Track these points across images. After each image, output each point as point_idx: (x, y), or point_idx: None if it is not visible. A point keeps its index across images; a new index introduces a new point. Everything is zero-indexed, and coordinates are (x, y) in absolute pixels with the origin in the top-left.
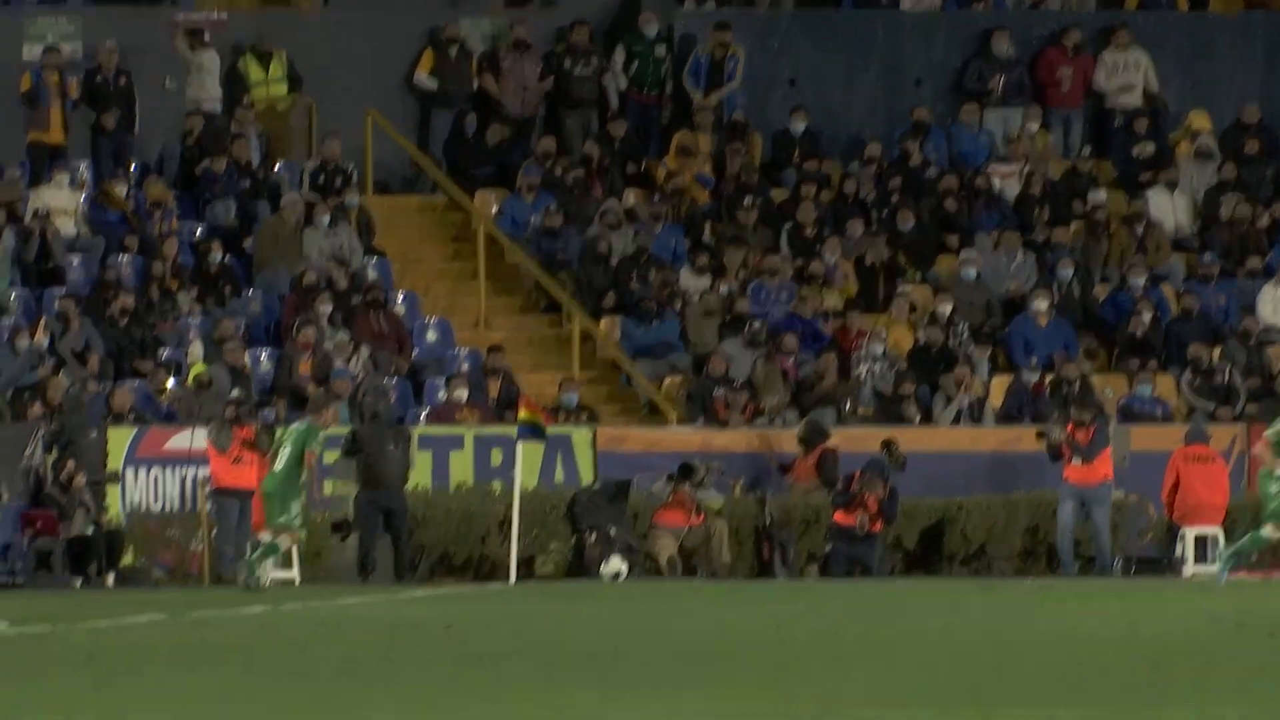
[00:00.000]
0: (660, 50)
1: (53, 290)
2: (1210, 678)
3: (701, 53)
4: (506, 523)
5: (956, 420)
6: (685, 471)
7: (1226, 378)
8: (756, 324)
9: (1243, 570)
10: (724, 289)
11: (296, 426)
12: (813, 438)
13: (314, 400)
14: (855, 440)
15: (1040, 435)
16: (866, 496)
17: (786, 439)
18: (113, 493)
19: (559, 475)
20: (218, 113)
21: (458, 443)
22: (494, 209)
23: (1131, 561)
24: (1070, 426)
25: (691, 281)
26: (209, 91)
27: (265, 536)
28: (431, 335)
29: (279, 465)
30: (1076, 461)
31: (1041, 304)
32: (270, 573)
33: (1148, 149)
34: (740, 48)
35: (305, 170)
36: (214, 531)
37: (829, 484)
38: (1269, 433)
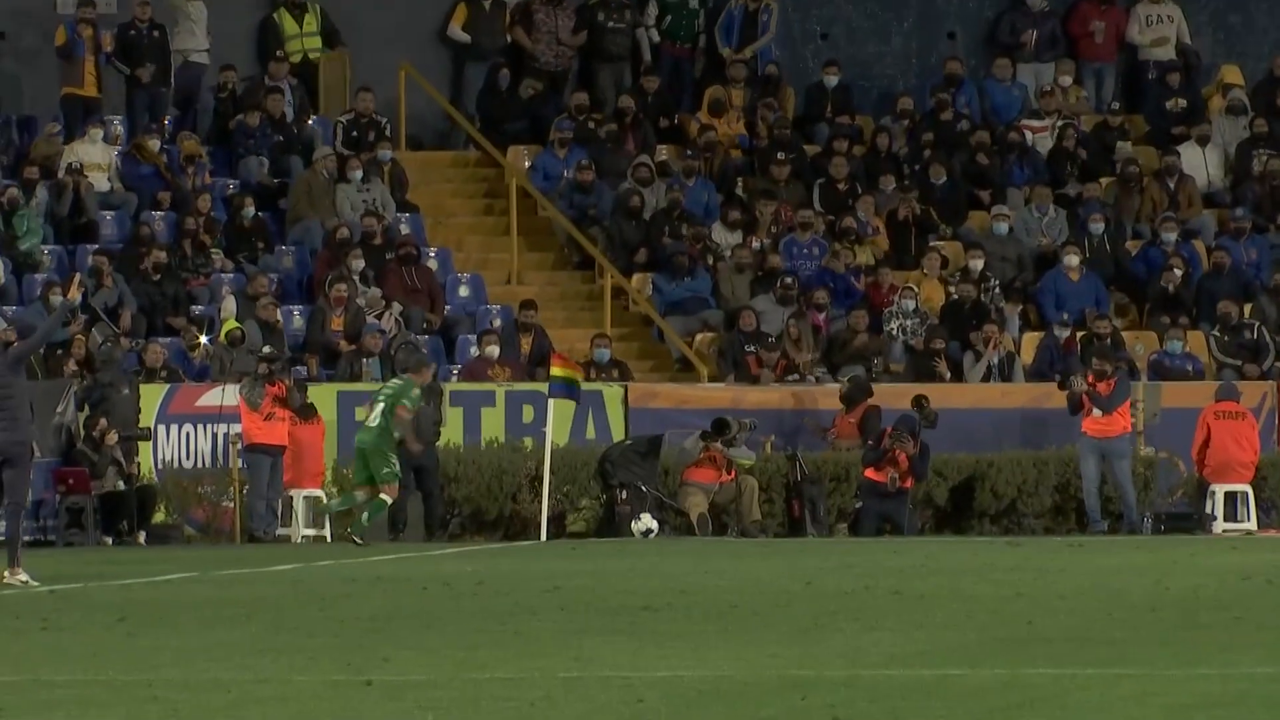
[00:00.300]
0: (693, 3)
1: (85, 246)
2: (1240, 635)
3: (734, 6)
4: (538, 479)
5: (987, 377)
6: (719, 428)
7: (1256, 334)
8: (788, 280)
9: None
10: (756, 244)
11: (394, 382)
12: (856, 395)
13: (415, 359)
14: (886, 396)
15: (1062, 385)
16: (897, 453)
17: (821, 395)
18: (144, 450)
19: (590, 432)
20: (205, 64)
21: (489, 399)
22: (526, 164)
23: (1162, 518)
24: (1091, 378)
25: (724, 237)
26: (197, 42)
27: (360, 495)
28: (464, 291)
29: (373, 420)
30: (1097, 413)
31: (1073, 259)
32: (365, 526)
33: (1180, 103)
34: (773, 1)
35: (339, 125)
36: (245, 488)
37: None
38: None
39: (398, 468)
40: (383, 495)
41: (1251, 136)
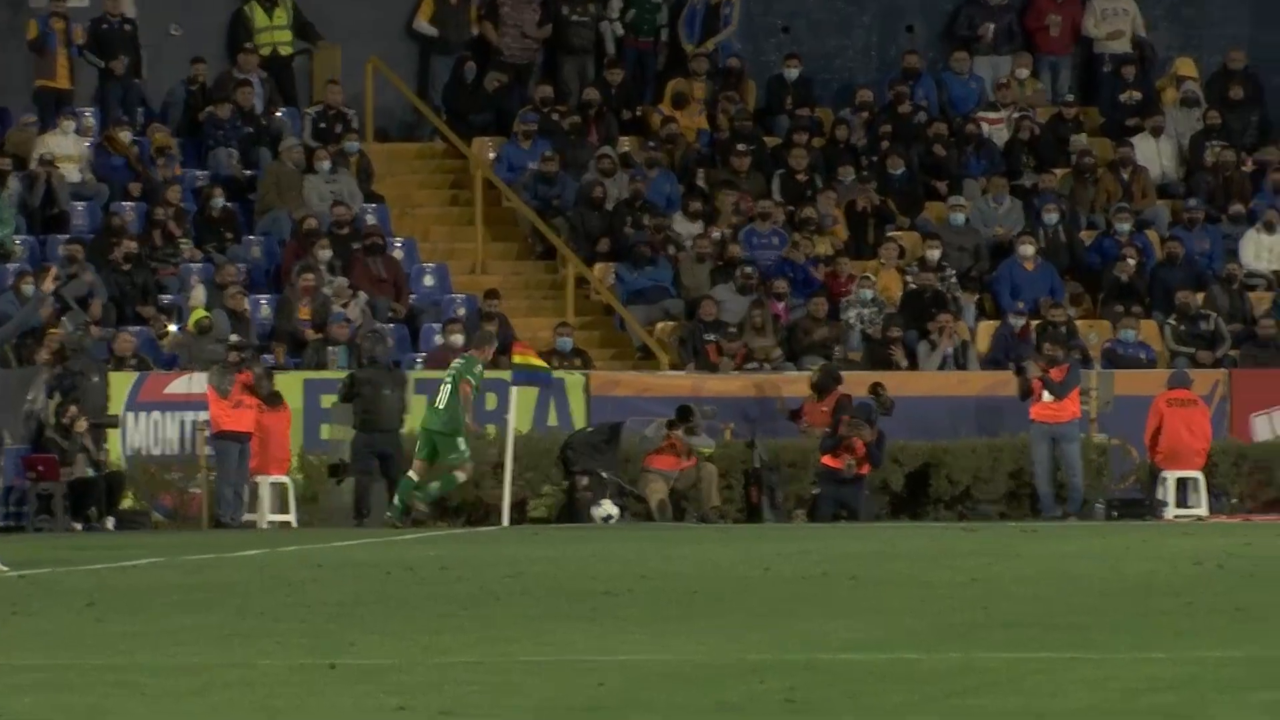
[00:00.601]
0: None
1: (56, 236)
2: (1192, 620)
3: (697, 1)
4: (500, 466)
5: (943, 365)
6: (683, 415)
7: (1210, 323)
8: (748, 269)
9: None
10: (717, 235)
11: (456, 363)
12: (827, 383)
13: (477, 336)
14: (844, 385)
15: (1018, 371)
16: (853, 440)
17: (785, 384)
18: (113, 436)
19: (552, 419)
20: (138, 26)
21: None
22: (491, 155)
23: (1114, 504)
24: (1043, 364)
25: (685, 227)
26: (126, 7)
27: (434, 485)
28: (429, 280)
29: (440, 402)
30: (1048, 398)
31: (1028, 249)
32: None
33: (1134, 95)
34: None
35: (307, 117)
36: (213, 475)
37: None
38: None
39: (466, 450)
40: (457, 474)
41: (1205, 128)
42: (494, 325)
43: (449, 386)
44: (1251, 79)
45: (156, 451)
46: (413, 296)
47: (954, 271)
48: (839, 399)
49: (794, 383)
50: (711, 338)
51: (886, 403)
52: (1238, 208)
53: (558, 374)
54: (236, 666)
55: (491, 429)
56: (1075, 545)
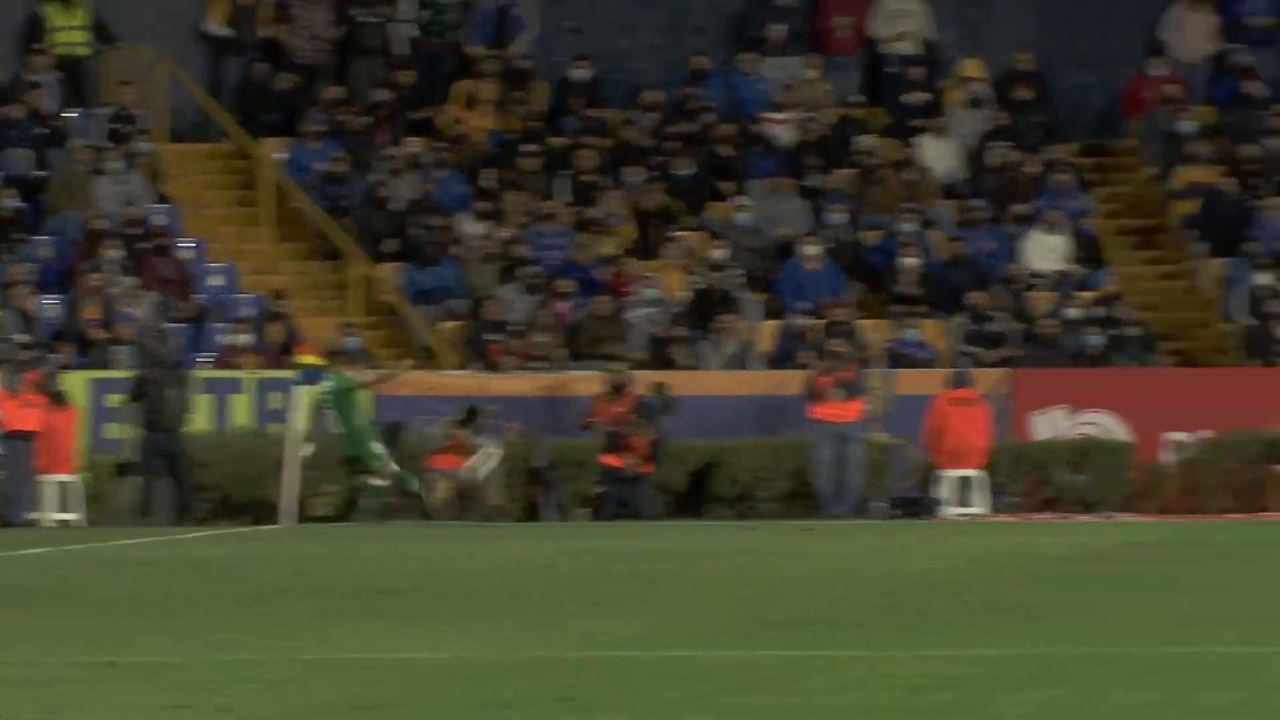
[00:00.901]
0: None
1: None
2: (969, 617)
3: (488, 3)
4: (284, 465)
5: (727, 364)
6: (471, 414)
7: (993, 323)
8: (534, 269)
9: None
10: (503, 235)
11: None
12: (622, 384)
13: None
14: (629, 384)
15: (807, 369)
16: (635, 439)
17: (570, 383)
18: None
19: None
20: None
21: (238, 386)
22: (281, 155)
23: (895, 503)
24: (828, 365)
25: (472, 227)
26: None
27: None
28: (217, 280)
29: (338, 428)
30: (835, 399)
31: (812, 249)
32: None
33: (921, 96)
34: None
35: (98, 117)
36: (3, 474)
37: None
38: None
39: (380, 452)
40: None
41: (990, 129)
42: (280, 325)
43: (333, 412)
44: (1038, 80)
45: None
46: (201, 296)
47: (739, 271)
48: (635, 400)
49: (580, 382)
50: (496, 337)
51: (669, 402)
52: (1022, 208)
53: (342, 374)
54: (17, 665)
55: (276, 428)
56: (855, 544)
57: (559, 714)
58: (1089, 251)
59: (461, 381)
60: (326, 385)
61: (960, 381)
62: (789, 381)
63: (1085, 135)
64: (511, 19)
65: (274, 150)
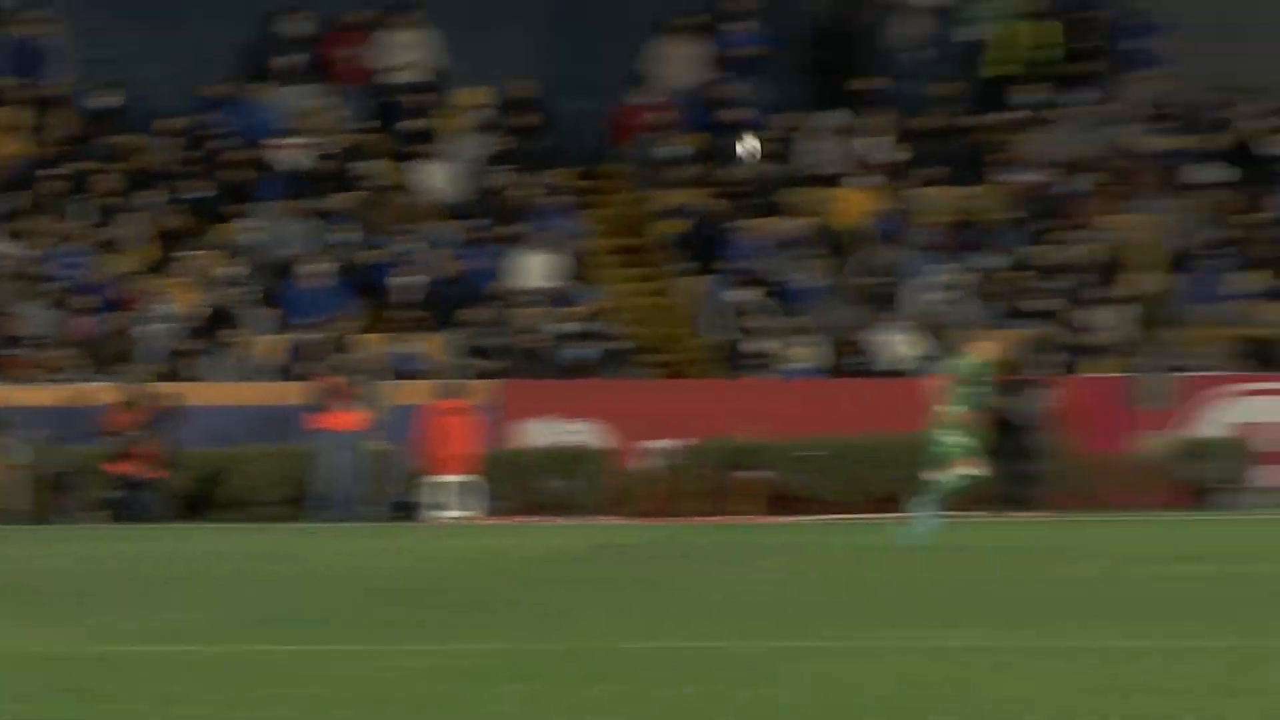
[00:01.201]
0: None
1: None
2: (453, 614)
3: (18, 33)
4: None
5: (236, 376)
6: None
7: (487, 337)
8: (55, 286)
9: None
10: (27, 254)
11: None
12: (143, 398)
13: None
14: (143, 395)
15: (310, 380)
16: (146, 447)
17: (95, 394)
18: None
19: None
20: None
21: None
22: None
23: (390, 507)
24: (331, 377)
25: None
26: None
27: None
28: None
29: None
30: (336, 409)
31: (318, 267)
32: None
33: (421, 123)
34: (59, 27)
35: None
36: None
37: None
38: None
39: None
40: None
41: (493, 153)
42: None
43: None
44: (539, 107)
45: None
46: None
47: (249, 288)
48: (155, 411)
49: (98, 393)
50: (16, 351)
51: (179, 412)
52: (517, 228)
53: None
54: None
55: None
56: (351, 545)
57: (66, 705)
58: (580, 269)
59: None
60: None
61: (453, 392)
62: (293, 393)
63: (583, 160)
64: (42, 50)
65: None
